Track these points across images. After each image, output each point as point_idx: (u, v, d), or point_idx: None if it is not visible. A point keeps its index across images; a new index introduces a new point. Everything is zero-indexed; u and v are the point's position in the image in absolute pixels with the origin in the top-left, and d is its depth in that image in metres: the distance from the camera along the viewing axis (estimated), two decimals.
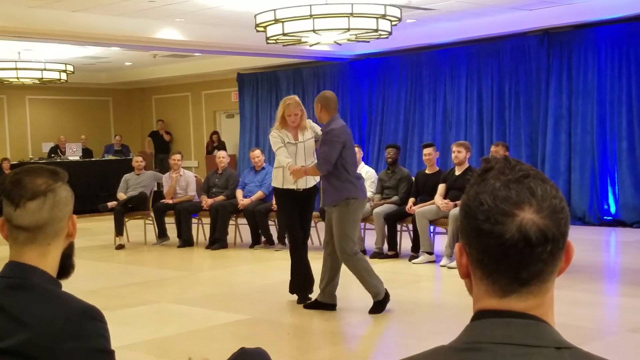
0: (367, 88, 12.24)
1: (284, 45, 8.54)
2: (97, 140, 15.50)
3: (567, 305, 5.45)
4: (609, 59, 9.56)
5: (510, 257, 0.91)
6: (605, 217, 9.64)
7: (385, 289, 5.26)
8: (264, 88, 13.68)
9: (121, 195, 9.16)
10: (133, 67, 14.65)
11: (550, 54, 10.07)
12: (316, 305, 5.35)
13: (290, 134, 5.39)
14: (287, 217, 5.54)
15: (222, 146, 13.54)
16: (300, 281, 5.54)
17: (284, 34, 7.66)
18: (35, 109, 15.46)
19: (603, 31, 9.63)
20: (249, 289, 6.31)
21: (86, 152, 14.23)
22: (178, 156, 9.20)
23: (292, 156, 5.32)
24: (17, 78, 10.96)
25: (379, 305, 5.22)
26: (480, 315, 0.94)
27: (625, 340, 4.55)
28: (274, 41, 8.03)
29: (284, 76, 13.31)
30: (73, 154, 13.59)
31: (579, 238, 8.76)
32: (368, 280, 5.20)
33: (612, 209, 9.65)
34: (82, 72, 13.57)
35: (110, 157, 14.31)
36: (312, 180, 5.53)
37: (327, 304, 5.31)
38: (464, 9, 9.52)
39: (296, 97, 5.55)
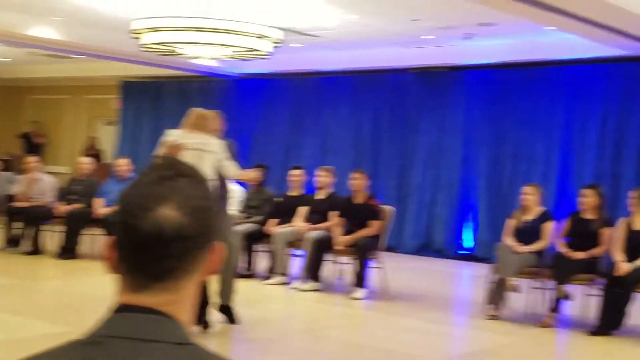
0: (253, 108, 12.26)
1: (159, 55, 8.43)
2: None
3: (400, 332, 5.63)
4: (478, 100, 10.07)
5: (144, 250, 0.91)
6: (460, 252, 10.05)
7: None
8: (147, 98, 13.42)
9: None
10: (12, 64, 14.00)
11: (426, 92, 10.49)
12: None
13: None
14: None
15: (97, 153, 13.13)
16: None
17: (159, 44, 7.57)
18: None
19: (474, 74, 10.15)
20: (87, 301, 6.06)
21: None
22: (34, 158, 8.81)
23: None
24: None
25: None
26: (115, 309, 0.94)
27: None
28: (147, 49, 7.91)
29: (168, 88, 13.13)
30: None
31: (435, 270, 9.11)
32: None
33: (470, 244, 10.08)
34: None
35: None
36: None
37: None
38: (348, 40, 9.76)
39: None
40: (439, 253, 10.09)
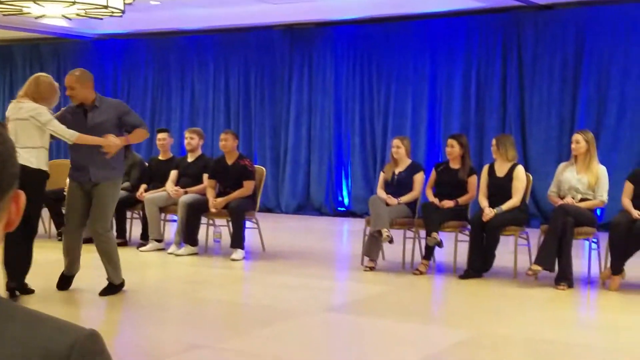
0: (112, 70, 11.67)
1: (4, 15, 7.76)
2: None
3: (279, 288, 5.63)
4: (345, 57, 10.12)
5: None
6: (339, 208, 10.21)
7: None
8: None
9: None
10: None
11: (293, 50, 10.40)
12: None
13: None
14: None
15: None
16: None
17: (1, 2, 6.94)
18: None
19: (341, 30, 10.16)
20: None
21: None
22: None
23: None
24: None
25: (114, 288, 5.15)
26: None
27: (318, 319, 4.77)
28: None
29: (19, 51, 12.21)
30: None
31: (314, 228, 9.19)
32: (117, 261, 5.12)
33: (346, 201, 10.24)
34: None
35: None
36: None
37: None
38: None
39: None
40: (318, 211, 10.17)
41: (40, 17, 7.77)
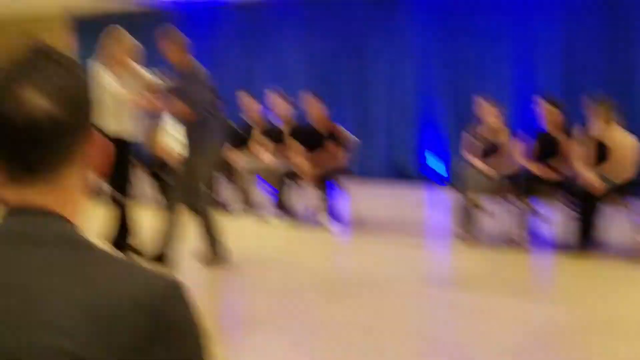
0: (204, 39, 11.77)
1: None
2: None
3: (375, 258, 5.62)
4: (429, 18, 9.76)
5: (9, 137, 0.86)
6: (428, 175, 9.93)
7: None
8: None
9: None
10: None
11: (375, 14, 10.19)
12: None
13: None
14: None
15: None
16: None
17: None
18: None
19: None
20: None
21: None
22: None
23: None
24: None
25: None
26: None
27: (413, 290, 4.69)
28: None
29: (121, 24, 12.45)
30: None
31: (404, 195, 9.00)
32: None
33: (437, 167, 9.98)
34: None
35: None
36: None
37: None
38: None
39: None
40: (407, 178, 10.01)
41: None
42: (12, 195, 0.88)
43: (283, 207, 6.82)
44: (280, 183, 6.77)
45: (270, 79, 11.01)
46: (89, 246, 0.88)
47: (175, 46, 4.92)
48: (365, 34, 10.21)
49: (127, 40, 5.06)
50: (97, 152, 0.93)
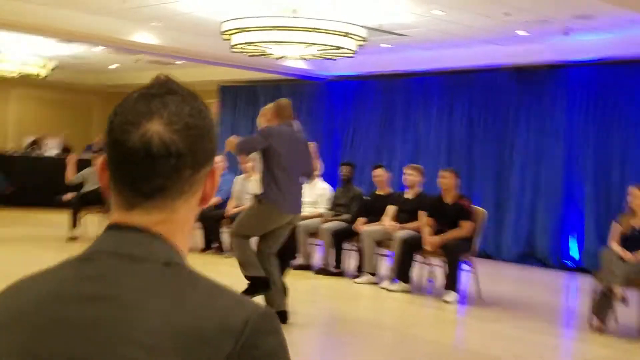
0: (342, 109, 12.27)
1: (249, 56, 8.57)
2: (79, 138, 15.51)
3: (493, 337, 5.41)
4: (579, 100, 9.56)
5: (132, 166, 0.89)
6: (566, 262, 9.42)
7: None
8: (243, 102, 13.73)
9: (68, 176, 9.26)
10: (118, 71, 14.70)
11: (521, 92, 10.09)
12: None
13: None
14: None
15: None
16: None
17: (247, 44, 7.68)
18: (20, 103, 15.59)
19: (575, 72, 9.66)
20: None
21: (65, 150, 14.16)
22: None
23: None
24: None
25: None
26: (108, 228, 0.93)
27: None
28: (239, 50, 8.05)
29: (262, 91, 13.35)
30: (50, 149, 13.51)
31: (537, 280, 8.60)
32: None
33: (575, 255, 9.46)
34: (68, 72, 13.66)
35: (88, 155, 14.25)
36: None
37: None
38: (437, 39, 9.57)
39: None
40: (542, 263, 9.52)
41: (281, 58, 8.45)
42: (123, 219, 0.92)
43: (403, 275, 6.86)
44: (403, 250, 6.83)
45: (408, 150, 11.17)
46: (189, 272, 0.89)
47: (268, 113, 5.25)
48: (507, 109, 10.05)
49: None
50: (211, 185, 0.95)
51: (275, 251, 5.16)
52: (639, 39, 8.63)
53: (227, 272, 6.15)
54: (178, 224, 0.92)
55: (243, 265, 5.10)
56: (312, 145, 5.63)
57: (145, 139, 0.88)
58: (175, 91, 0.93)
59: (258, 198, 5.10)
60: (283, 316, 5.04)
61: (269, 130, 5.12)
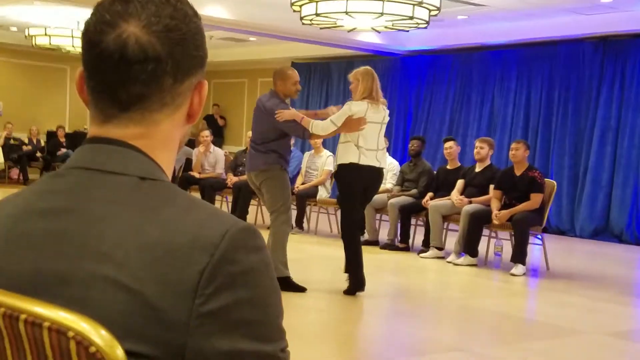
0: (417, 84, 12.07)
1: (320, 28, 8.51)
2: None
3: (560, 306, 5.25)
4: None
5: (106, 71, 0.83)
6: None
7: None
8: (316, 78, 13.71)
9: None
10: None
11: (605, 62, 9.63)
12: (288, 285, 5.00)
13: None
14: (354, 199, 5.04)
15: None
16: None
17: (317, 15, 7.62)
18: None
19: None
20: None
21: None
22: (206, 132, 9.35)
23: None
24: (74, 47, 11.33)
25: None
26: (84, 142, 0.88)
27: (597, 341, 4.32)
28: (308, 21, 8.01)
29: (335, 67, 13.29)
30: None
31: (611, 254, 8.35)
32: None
33: None
34: None
35: None
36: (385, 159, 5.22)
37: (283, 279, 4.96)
38: (517, 8, 9.23)
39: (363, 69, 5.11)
40: (618, 238, 9.24)
41: (352, 30, 8.36)
42: (99, 132, 0.86)
43: (470, 249, 6.69)
44: (470, 224, 6.67)
45: (483, 125, 10.90)
46: (168, 186, 0.84)
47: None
48: (590, 81, 9.68)
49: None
50: (199, 100, 0.88)
51: None
52: None
53: (292, 248, 5.63)
54: (159, 139, 0.86)
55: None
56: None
57: (120, 40, 0.81)
58: None
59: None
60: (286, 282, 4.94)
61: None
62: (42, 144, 13.69)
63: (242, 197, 8.57)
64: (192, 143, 10.92)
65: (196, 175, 9.14)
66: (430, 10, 7.63)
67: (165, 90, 0.84)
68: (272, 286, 0.80)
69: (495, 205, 6.65)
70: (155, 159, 0.85)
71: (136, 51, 0.81)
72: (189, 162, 9.75)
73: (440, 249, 7.09)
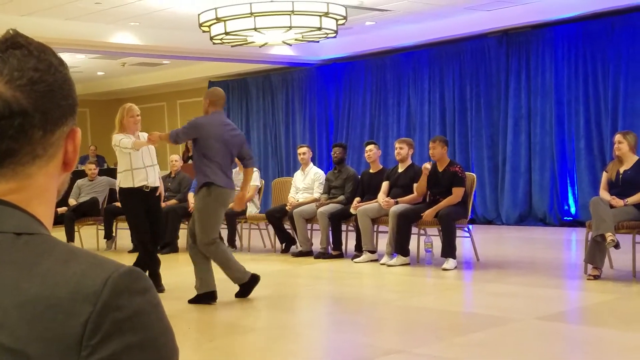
0: (334, 92, 12.22)
1: (232, 46, 8.51)
2: None
3: (492, 296, 5.39)
4: (566, 58, 9.50)
5: None
6: (565, 218, 9.54)
7: (253, 274, 5.43)
8: (235, 95, 13.66)
9: (71, 201, 9.05)
10: (105, 77, 14.67)
11: (510, 54, 10.03)
12: (198, 299, 5.36)
13: (133, 137, 5.92)
14: (136, 218, 5.89)
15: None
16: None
17: (226, 33, 7.63)
18: None
19: (560, 30, 9.59)
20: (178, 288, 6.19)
21: None
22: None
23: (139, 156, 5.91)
24: None
25: (245, 287, 5.41)
26: None
27: (531, 327, 4.46)
28: (219, 41, 7.99)
29: (253, 83, 13.30)
30: None
31: (536, 238, 8.68)
32: (228, 267, 5.36)
33: (572, 209, 9.54)
34: None
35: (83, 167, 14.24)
36: (157, 180, 6.04)
37: (206, 294, 5.33)
38: (421, 10, 9.49)
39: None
40: (542, 222, 9.61)
41: (264, 45, 8.39)
42: None
43: (401, 249, 6.81)
44: (399, 225, 6.79)
45: (402, 126, 11.12)
46: (45, 239, 0.81)
47: (211, 104, 5.53)
48: (498, 73, 10.05)
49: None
50: (73, 147, 0.87)
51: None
52: None
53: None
54: (35, 192, 0.84)
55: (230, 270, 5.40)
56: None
57: None
58: (20, 45, 0.83)
59: (206, 188, 5.35)
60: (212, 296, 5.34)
61: (196, 121, 5.55)
62: None
63: (170, 222, 8.45)
64: (112, 172, 10.66)
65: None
66: (337, 20, 7.75)
67: (35, 142, 0.83)
68: (162, 326, 0.77)
69: (381, 197, 7.05)
70: (32, 212, 0.83)
71: (1, 108, 0.80)
72: (112, 192, 9.50)
73: (372, 252, 7.18)
